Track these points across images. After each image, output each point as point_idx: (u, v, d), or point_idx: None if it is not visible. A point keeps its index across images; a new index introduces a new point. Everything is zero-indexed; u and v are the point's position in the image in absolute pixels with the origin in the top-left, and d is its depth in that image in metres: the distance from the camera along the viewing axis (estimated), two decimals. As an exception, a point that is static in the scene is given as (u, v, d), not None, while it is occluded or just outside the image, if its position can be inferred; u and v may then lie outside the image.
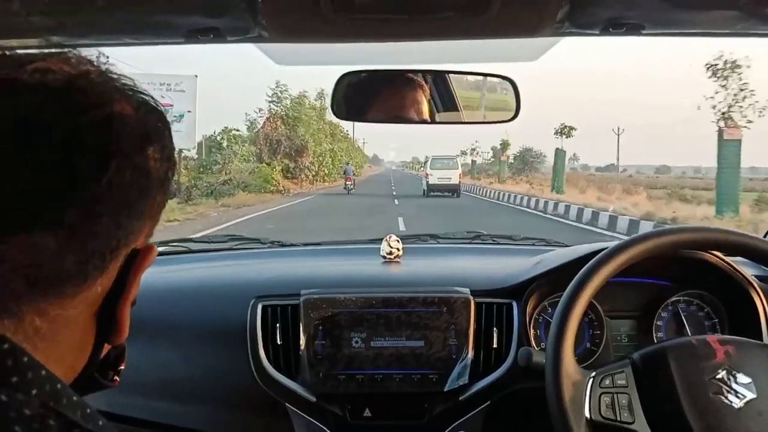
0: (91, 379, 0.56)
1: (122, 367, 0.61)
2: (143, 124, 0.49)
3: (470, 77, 1.17)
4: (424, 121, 1.14)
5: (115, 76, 0.50)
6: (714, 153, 14.29)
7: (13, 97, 0.44)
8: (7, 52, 0.48)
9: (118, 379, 0.61)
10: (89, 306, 0.50)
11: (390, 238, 1.50)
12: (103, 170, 0.45)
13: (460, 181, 26.68)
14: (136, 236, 0.51)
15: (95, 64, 0.49)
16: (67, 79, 0.46)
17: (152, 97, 0.52)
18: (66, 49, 0.49)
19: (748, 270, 1.19)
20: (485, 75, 1.16)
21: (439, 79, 1.14)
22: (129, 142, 0.47)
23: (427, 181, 26.01)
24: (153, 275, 1.55)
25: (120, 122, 0.47)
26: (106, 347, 0.55)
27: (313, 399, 1.17)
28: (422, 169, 34.38)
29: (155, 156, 0.50)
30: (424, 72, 1.13)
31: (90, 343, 0.52)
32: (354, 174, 30.26)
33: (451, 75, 1.16)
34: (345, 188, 27.24)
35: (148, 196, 0.50)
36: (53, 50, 0.49)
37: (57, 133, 0.44)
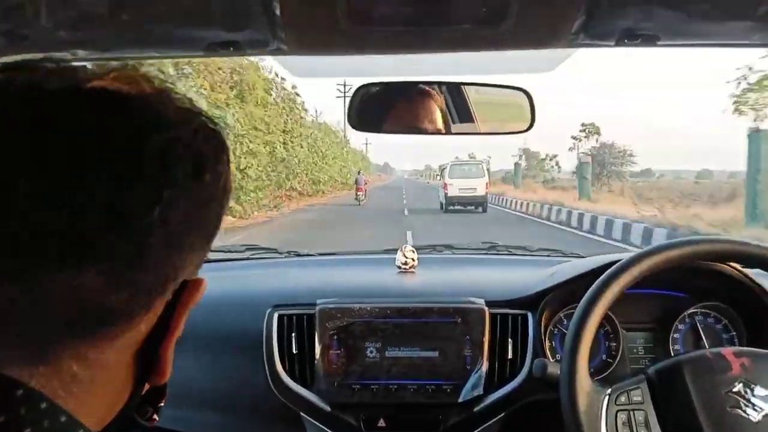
0: (127, 419, 0.51)
1: (162, 404, 0.56)
2: (200, 150, 0.45)
3: (485, 88, 1.17)
4: (439, 132, 1.15)
5: (174, 96, 0.46)
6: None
7: (70, 115, 0.40)
8: (62, 64, 0.44)
9: (157, 417, 0.55)
10: (131, 347, 0.46)
11: (405, 248, 1.50)
12: (156, 201, 0.41)
13: (487, 192, 21.64)
14: (186, 269, 0.47)
15: (153, 82, 0.45)
16: (125, 99, 0.43)
17: (210, 118, 0.48)
18: (121, 62, 0.47)
19: (766, 282, 1.18)
20: (500, 86, 1.17)
21: (454, 91, 1.15)
22: (184, 171, 0.43)
23: (446, 193, 21.09)
24: None
25: (177, 149, 0.43)
26: (147, 385, 0.51)
27: (328, 408, 1.17)
28: (439, 177, 26.97)
29: (211, 184, 0.46)
30: (439, 83, 1.15)
31: (130, 384, 0.47)
32: (366, 183, 27.50)
33: (466, 86, 1.17)
34: (356, 199, 25.02)
35: (201, 227, 0.46)
36: (80, 64, 0.46)
37: (112, 160, 0.40)
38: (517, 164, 43.73)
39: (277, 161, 20.92)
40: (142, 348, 0.47)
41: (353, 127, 1.16)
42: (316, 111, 32.46)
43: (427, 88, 1.14)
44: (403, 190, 41.66)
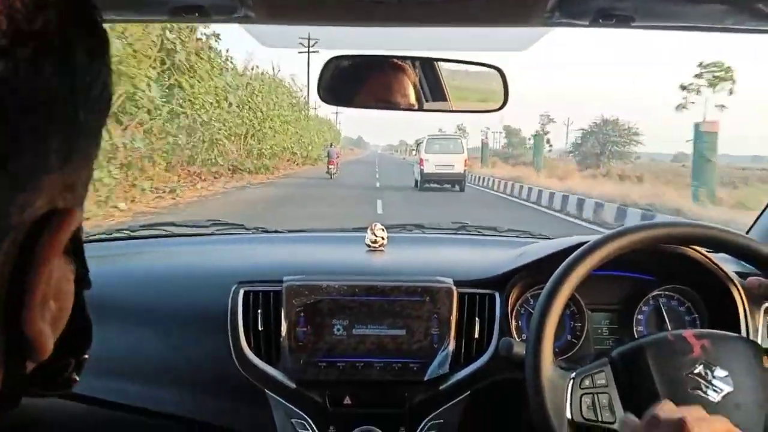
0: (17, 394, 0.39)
1: (86, 357, 0.44)
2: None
3: (459, 65, 1.16)
4: (412, 108, 1.13)
5: None
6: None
7: None
8: None
9: (77, 377, 0.43)
10: None
11: (375, 226, 1.49)
12: None
13: (465, 170, 19.93)
14: (35, 193, 0.33)
15: None
16: None
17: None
18: None
19: (729, 266, 1.20)
20: (474, 63, 1.15)
21: (427, 67, 1.13)
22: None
23: (422, 169, 19.34)
24: (132, 259, 1.54)
25: None
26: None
27: (293, 386, 1.16)
28: (414, 152, 25.29)
29: (48, 66, 0.32)
30: (412, 59, 1.12)
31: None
32: (338, 156, 25.93)
33: (439, 63, 1.15)
34: (327, 172, 23.85)
35: (42, 122, 0.32)
36: None
37: None
38: (484, 142, 43.65)
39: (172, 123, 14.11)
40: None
41: (323, 100, 1.14)
42: (273, 66, 26.43)
43: (400, 63, 1.12)
44: (377, 165, 39.78)
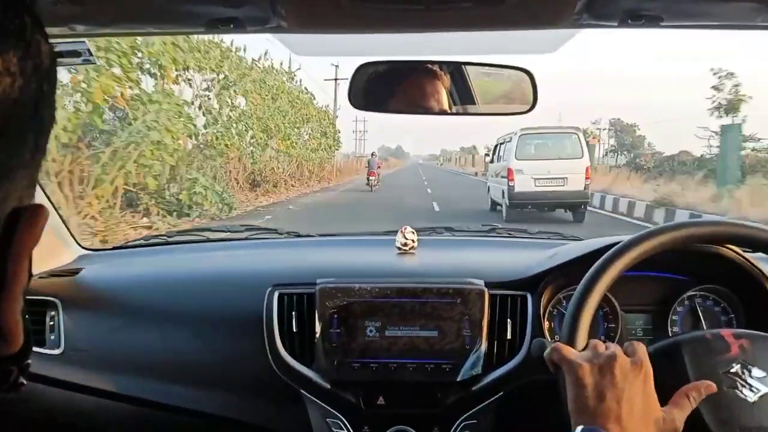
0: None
1: (29, 362, 0.44)
2: None
3: (487, 68, 1.17)
4: (443, 112, 1.14)
5: None
6: None
7: None
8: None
9: (24, 381, 0.43)
10: None
11: (405, 229, 1.51)
12: None
13: (588, 184, 12.10)
14: (12, 185, 0.35)
15: None
16: None
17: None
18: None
19: (766, 265, 1.18)
20: (503, 67, 1.16)
21: (456, 71, 1.15)
22: None
23: (510, 187, 11.95)
24: (170, 262, 1.58)
25: None
26: None
27: (328, 386, 1.18)
28: (490, 159, 15.79)
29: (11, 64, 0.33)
30: (441, 63, 1.14)
31: None
32: (379, 167, 24.27)
33: (468, 66, 1.16)
34: (368, 184, 22.16)
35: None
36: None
37: None
38: (591, 142, 30.43)
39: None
40: None
41: (355, 106, 1.15)
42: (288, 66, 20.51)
43: (430, 67, 1.13)
44: (423, 176, 35.42)
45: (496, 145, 14.70)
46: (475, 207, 14.75)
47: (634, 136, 29.26)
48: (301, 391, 1.19)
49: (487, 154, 17.19)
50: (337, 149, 28.75)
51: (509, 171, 12.13)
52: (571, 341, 0.92)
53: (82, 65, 1.16)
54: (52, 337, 1.32)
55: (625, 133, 29.61)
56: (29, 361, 0.44)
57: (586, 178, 12.00)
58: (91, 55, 1.12)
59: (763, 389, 0.87)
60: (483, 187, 16.24)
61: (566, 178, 11.90)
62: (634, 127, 27.27)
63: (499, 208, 13.14)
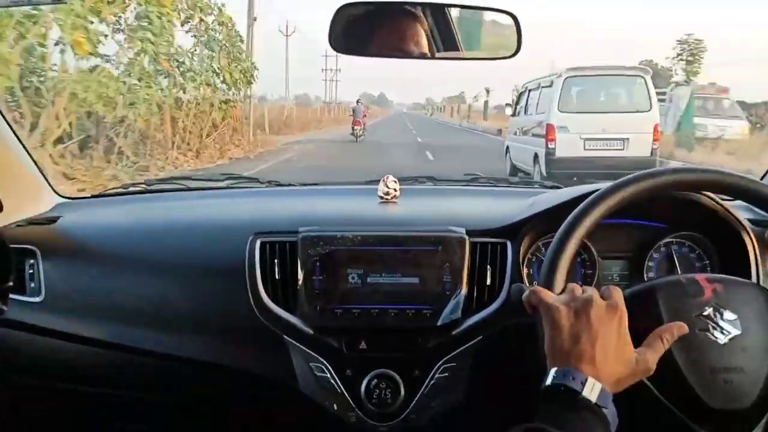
0: None
1: (10, 284, 0.43)
2: None
3: (470, 11, 1.14)
4: (424, 56, 1.13)
5: None
6: None
7: None
8: None
9: (4, 308, 0.43)
10: None
11: (387, 178, 1.50)
12: None
13: (656, 150, 9.05)
14: None
15: None
16: None
17: None
18: None
19: (741, 213, 1.20)
20: (485, 9, 1.13)
21: (438, 14, 1.12)
22: None
23: (549, 150, 9.02)
24: (150, 210, 1.57)
25: None
26: None
27: (311, 332, 1.20)
28: (515, 109, 11.83)
29: None
30: (424, 5, 1.11)
31: None
32: (365, 115, 22.03)
33: (451, 10, 1.13)
34: (352, 134, 20.79)
35: None
36: None
37: None
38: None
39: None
40: None
41: (335, 49, 1.13)
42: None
43: (411, 10, 1.10)
44: (410, 126, 31.87)
45: (522, 92, 11.28)
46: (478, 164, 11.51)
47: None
48: (285, 336, 1.20)
49: (509, 105, 12.29)
50: (245, 88, 17.20)
51: (549, 128, 8.85)
52: (548, 285, 0.93)
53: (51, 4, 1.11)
54: (32, 285, 1.31)
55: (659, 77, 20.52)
56: (10, 283, 0.42)
57: (655, 140, 8.79)
58: None
59: (734, 332, 0.90)
60: (493, 151, 13.39)
61: (627, 139, 8.82)
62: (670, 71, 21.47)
63: (522, 176, 9.69)
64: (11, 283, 0.42)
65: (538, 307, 0.89)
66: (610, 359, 0.81)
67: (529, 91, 10.97)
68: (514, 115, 11.77)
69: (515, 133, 11.32)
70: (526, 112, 10.91)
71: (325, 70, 56.47)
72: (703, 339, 0.89)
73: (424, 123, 45.47)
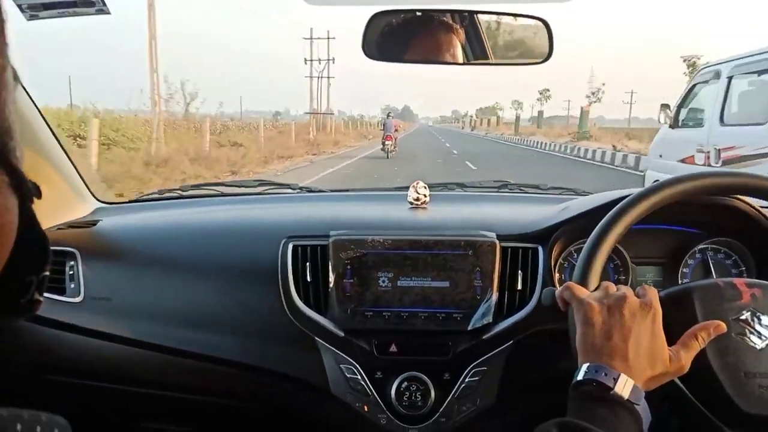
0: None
1: (46, 274, 0.44)
2: None
3: (502, 17, 1.15)
4: (456, 63, 1.14)
5: None
6: None
7: None
8: None
9: (40, 298, 0.44)
10: None
11: (417, 184, 1.51)
12: None
13: None
14: None
15: None
16: None
17: None
18: None
19: None
20: (517, 15, 1.14)
21: (469, 20, 1.13)
22: None
23: None
24: (186, 215, 1.61)
25: None
26: None
27: (341, 334, 1.21)
28: (665, 120, 7.08)
29: None
30: (453, 12, 1.12)
31: None
32: (396, 129, 20.75)
33: (481, 16, 1.14)
34: (383, 149, 19.73)
35: None
36: None
37: None
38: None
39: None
40: None
41: (368, 56, 1.15)
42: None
43: (442, 18, 1.12)
44: (441, 139, 29.73)
45: (691, 88, 7.14)
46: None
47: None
48: (316, 338, 1.22)
49: (666, 105, 7.31)
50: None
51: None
52: (583, 282, 0.93)
53: (95, 15, 1.16)
54: (72, 286, 1.36)
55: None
56: (47, 273, 0.44)
57: None
58: (104, 5, 1.11)
59: None
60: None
61: None
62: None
63: None
64: (47, 273, 0.42)
65: (571, 302, 0.88)
66: (642, 356, 0.80)
67: (701, 84, 6.95)
68: (674, 125, 7.24)
69: (672, 156, 7.03)
70: (698, 121, 6.78)
71: (309, 62, 45.30)
72: (740, 343, 0.88)
73: (446, 133, 40.36)
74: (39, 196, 0.41)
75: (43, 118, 1.48)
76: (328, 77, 45.93)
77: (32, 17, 1.18)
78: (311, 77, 44.40)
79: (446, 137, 40.25)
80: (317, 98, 43.70)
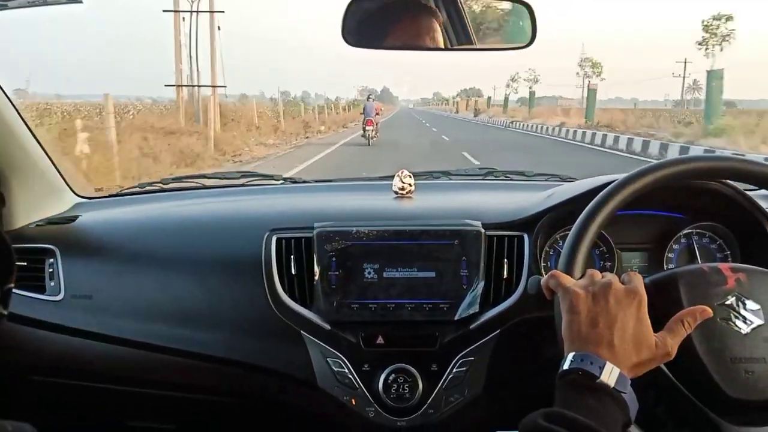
0: None
1: (11, 286, 0.45)
2: None
3: (485, 2, 1.13)
4: (438, 49, 1.12)
5: None
6: None
7: None
8: None
9: (4, 312, 0.45)
10: None
11: (402, 173, 1.50)
12: None
13: None
14: None
15: None
16: None
17: None
18: None
19: (763, 202, 1.18)
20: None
21: (451, 5, 1.11)
22: None
23: None
24: (167, 209, 1.58)
25: None
26: None
27: (328, 327, 1.20)
28: None
29: None
30: None
31: None
32: (377, 113, 19.04)
33: (464, 1, 1.12)
34: (364, 135, 18.26)
35: None
36: None
37: None
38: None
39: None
40: None
41: (349, 43, 1.12)
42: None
43: (424, 2, 1.10)
44: (428, 124, 27.10)
45: None
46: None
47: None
48: (302, 332, 1.20)
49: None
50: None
51: None
52: (568, 270, 0.92)
53: (67, 4, 1.12)
54: (52, 284, 1.33)
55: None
56: (11, 285, 0.42)
57: None
58: None
59: (756, 321, 0.88)
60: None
61: None
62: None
63: None
64: (12, 285, 0.40)
65: (556, 291, 0.88)
66: (628, 343, 0.79)
67: None
68: None
69: None
70: None
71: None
72: (725, 328, 0.88)
73: (428, 115, 37.58)
74: (3, 204, 0.39)
75: (18, 112, 1.44)
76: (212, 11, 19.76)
77: (1, 7, 1.15)
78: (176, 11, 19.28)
79: (432, 122, 37.24)
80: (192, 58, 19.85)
